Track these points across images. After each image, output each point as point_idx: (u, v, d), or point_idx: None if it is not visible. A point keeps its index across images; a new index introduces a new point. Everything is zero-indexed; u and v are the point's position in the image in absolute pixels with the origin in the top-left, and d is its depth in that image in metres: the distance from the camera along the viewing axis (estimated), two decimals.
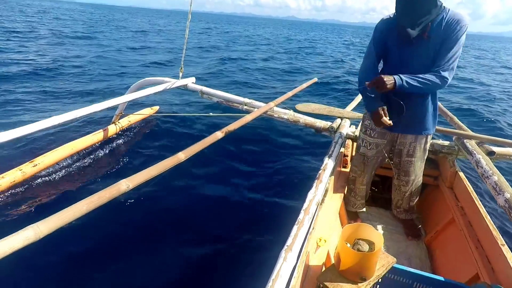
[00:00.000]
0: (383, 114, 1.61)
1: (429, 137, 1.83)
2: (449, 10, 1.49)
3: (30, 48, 9.95)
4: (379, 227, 2.17)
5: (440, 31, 1.47)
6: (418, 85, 1.49)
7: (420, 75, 1.50)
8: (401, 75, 1.49)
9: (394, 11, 1.60)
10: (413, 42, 1.51)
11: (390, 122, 1.62)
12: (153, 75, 3.40)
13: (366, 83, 1.55)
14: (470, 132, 2.14)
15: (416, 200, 2.06)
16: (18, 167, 2.78)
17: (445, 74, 1.48)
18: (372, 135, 1.88)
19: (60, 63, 8.03)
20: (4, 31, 13.23)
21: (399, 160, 1.91)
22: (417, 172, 1.91)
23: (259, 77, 8.67)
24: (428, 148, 1.86)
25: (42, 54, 9.14)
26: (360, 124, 2.01)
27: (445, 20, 1.47)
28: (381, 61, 1.78)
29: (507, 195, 1.37)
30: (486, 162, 1.70)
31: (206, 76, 8.19)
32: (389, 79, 1.47)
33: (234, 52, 14.34)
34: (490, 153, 1.96)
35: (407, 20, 1.49)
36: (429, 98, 1.68)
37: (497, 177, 1.54)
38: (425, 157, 1.90)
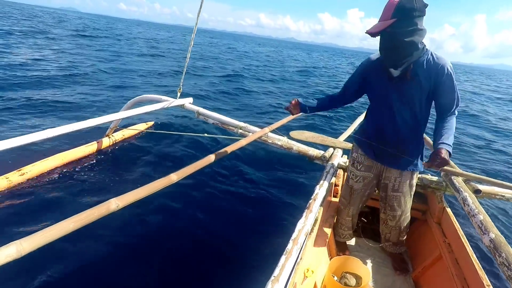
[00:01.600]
0: (291, 106, 1.86)
1: (415, 173, 1.84)
2: (431, 53, 1.56)
3: None
4: (368, 259, 2.15)
5: (424, 72, 1.54)
6: (453, 135, 1.56)
7: (447, 126, 1.56)
8: (445, 142, 1.50)
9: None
10: (397, 80, 1.58)
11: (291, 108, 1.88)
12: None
13: (424, 163, 1.58)
14: (458, 169, 2.19)
15: (405, 236, 2.06)
16: (5, 175, 2.73)
17: (456, 111, 1.60)
18: (359, 168, 1.90)
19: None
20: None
21: (385, 194, 1.91)
22: (403, 207, 1.91)
23: None
24: (414, 184, 1.87)
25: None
26: (349, 155, 2.04)
27: (429, 62, 1.54)
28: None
29: (492, 235, 1.39)
30: (472, 201, 1.73)
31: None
32: (444, 153, 1.46)
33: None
34: (476, 191, 1.99)
35: (389, 60, 1.57)
36: (413, 132, 1.71)
37: (483, 216, 1.56)
38: (412, 193, 1.90)
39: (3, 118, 4.54)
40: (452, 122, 1.58)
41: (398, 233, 2.02)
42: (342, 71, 22.65)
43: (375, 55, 1.73)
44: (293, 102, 1.88)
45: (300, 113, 1.97)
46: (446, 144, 1.49)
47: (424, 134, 1.90)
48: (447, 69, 1.53)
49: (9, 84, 6.53)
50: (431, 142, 2.64)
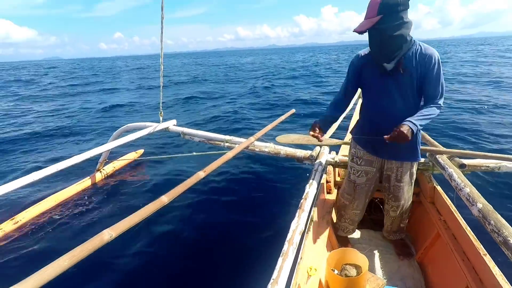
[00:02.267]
0: (316, 130, 1.76)
1: (416, 162, 1.88)
2: (419, 43, 1.61)
3: None
4: (370, 249, 2.18)
5: (414, 63, 1.58)
6: (427, 121, 1.58)
7: (424, 111, 1.57)
8: (412, 120, 1.54)
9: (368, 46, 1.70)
10: (390, 74, 1.62)
11: (318, 136, 1.77)
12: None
13: (385, 137, 1.57)
14: (442, 148, 2.26)
15: (406, 222, 2.09)
16: None
17: (441, 102, 1.61)
18: (359, 163, 1.92)
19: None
20: None
21: (388, 185, 1.94)
22: (406, 196, 1.94)
23: None
24: (415, 172, 1.90)
25: None
26: (348, 151, 2.06)
27: (418, 54, 1.59)
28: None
29: (480, 205, 1.43)
30: (458, 175, 1.78)
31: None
32: (407, 130, 1.50)
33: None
34: (461, 166, 2.05)
35: (381, 55, 1.60)
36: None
37: (469, 188, 1.61)
38: (413, 181, 1.93)
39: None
40: (432, 110, 1.59)
41: (399, 221, 2.06)
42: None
43: (364, 51, 1.77)
44: (317, 130, 1.77)
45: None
46: (412, 122, 1.53)
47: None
48: (435, 58, 1.57)
49: None
50: (427, 137, 2.69)
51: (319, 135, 1.77)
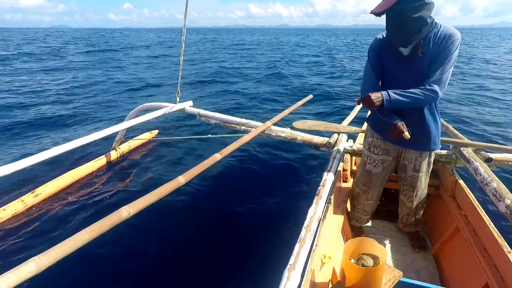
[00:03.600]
0: (403, 129, 1.53)
1: (434, 151, 1.80)
2: (440, 26, 1.49)
3: None
4: (385, 240, 2.15)
5: (433, 46, 1.48)
6: (406, 99, 1.47)
7: (409, 90, 1.48)
8: (389, 91, 1.47)
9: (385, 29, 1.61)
10: (408, 59, 1.52)
11: (409, 135, 1.55)
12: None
13: (355, 100, 1.56)
14: (466, 140, 2.16)
15: (421, 213, 2.04)
16: (20, 198, 2.79)
17: (435, 87, 1.45)
18: (376, 152, 1.86)
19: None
20: None
21: (404, 175, 1.88)
22: (423, 186, 1.89)
23: None
24: (432, 161, 1.84)
25: None
26: (363, 140, 1.98)
27: (437, 36, 1.47)
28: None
29: (508, 201, 1.37)
30: (484, 169, 1.70)
31: None
32: (376, 97, 1.45)
33: None
34: (488, 160, 1.96)
35: (398, 39, 1.50)
36: (433, 114, 1.65)
37: (496, 183, 1.54)
38: (430, 171, 1.87)
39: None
40: (417, 91, 1.46)
41: (415, 213, 2.01)
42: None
43: (381, 34, 1.67)
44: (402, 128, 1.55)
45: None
46: (386, 92, 1.46)
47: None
48: (453, 39, 1.45)
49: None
50: (451, 128, 2.57)
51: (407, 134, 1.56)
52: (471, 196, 1.92)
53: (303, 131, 2.60)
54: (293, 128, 2.56)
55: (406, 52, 1.49)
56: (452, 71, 1.50)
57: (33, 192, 2.90)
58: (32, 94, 8.02)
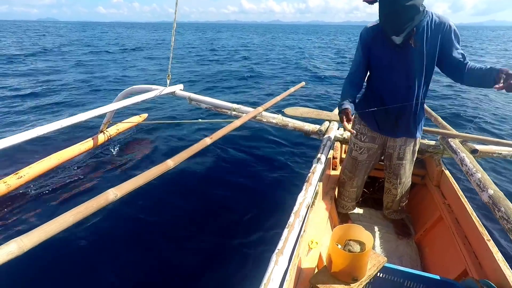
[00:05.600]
0: (350, 118, 1.57)
1: (418, 139, 1.84)
2: (432, 14, 1.49)
3: None
4: (370, 227, 2.20)
5: (427, 35, 1.48)
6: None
7: (480, 65, 1.44)
8: (492, 67, 1.39)
9: (378, 17, 1.58)
10: (400, 47, 1.52)
11: (353, 131, 1.60)
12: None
13: (496, 86, 1.31)
14: (454, 131, 2.20)
15: (405, 201, 2.09)
16: (2, 179, 2.71)
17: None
18: (363, 139, 1.88)
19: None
20: None
21: (389, 163, 1.92)
22: (407, 174, 1.94)
23: None
24: (417, 150, 1.88)
25: None
26: (351, 127, 1.99)
27: (432, 24, 1.48)
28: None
29: (491, 192, 1.41)
30: (470, 160, 1.74)
31: None
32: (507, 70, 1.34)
33: None
34: (474, 151, 2.00)
35: (391, 27, 1.49)
36: (420, 103, 1.67)
37: (481, 174, 1.58)
38: (414, 159, 1.91)
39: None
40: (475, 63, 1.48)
41: (399, 200, 2.05)
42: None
43: (372, 23, 1.65)
44: (350, 116, 1.59)
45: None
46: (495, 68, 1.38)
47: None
48: (451, 25, 1.48)
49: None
50: (429, 110, 2.62)
51: (349, 120, 1.60)
52: (455, 186, 1.97)
53: (295, 118, 2.59)
54: (284, 115, 2.54)
55: (398, 40, 1.48)
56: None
57: (17, 173, 2.81)
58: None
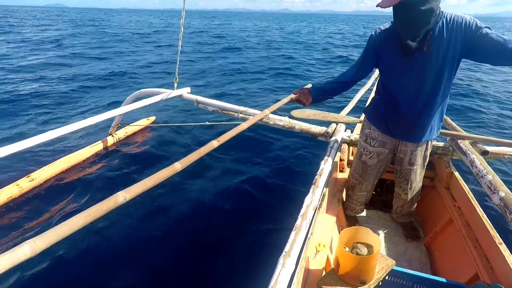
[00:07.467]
0: (302, 96, 1.74)
1: (430, 143, 1.79)
2: (446, 14, 1.43)
3: None
4: (378, 230, 2.17)
5: (444, 37, 1.41)
6: None
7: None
8: None
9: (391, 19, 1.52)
10: (415, 53, 1.46)
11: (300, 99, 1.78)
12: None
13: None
14: (464, 133, 2.16)
15: (415, 205, 2.06)
16: (15, 182, 2.78)
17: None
18: (372, 144, 1.84)
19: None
20: None
21: (400, 168, 1.88)
22: (418, 179, 1.89)
23: None
24: (428, 154, 1.83)
25: None
26: (360, 131, 1.97)
27: (449, 26, 1.40)
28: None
29: (502, 194, 1.38)
30: (480, 162, 1.71)
31: None
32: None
33: None
34: (484, 153, 1.97)
35: (406, 33, 1.43)
36: (439, 104, 1.59)
37: (492, 176, 1.55)
38: (426, 164, 1.86)
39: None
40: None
41: (410, 205, 2.03)
42: None
43: (385, 25, 1.61)
44: (304, 91, 1.73)
45: (311, 101, 1.79)
46: None
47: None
48: (467, 20, 1.39)
49: None
50: (449, 120, 2.52)
51: (302, 98, 1.78)
52: (465, 188, 1.94)
53: (302, 120, 2.59)
54: (291, 117, 2.54)
55: (414, 45, 1.43)
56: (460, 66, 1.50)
57: (29, 176, 2.88)
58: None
